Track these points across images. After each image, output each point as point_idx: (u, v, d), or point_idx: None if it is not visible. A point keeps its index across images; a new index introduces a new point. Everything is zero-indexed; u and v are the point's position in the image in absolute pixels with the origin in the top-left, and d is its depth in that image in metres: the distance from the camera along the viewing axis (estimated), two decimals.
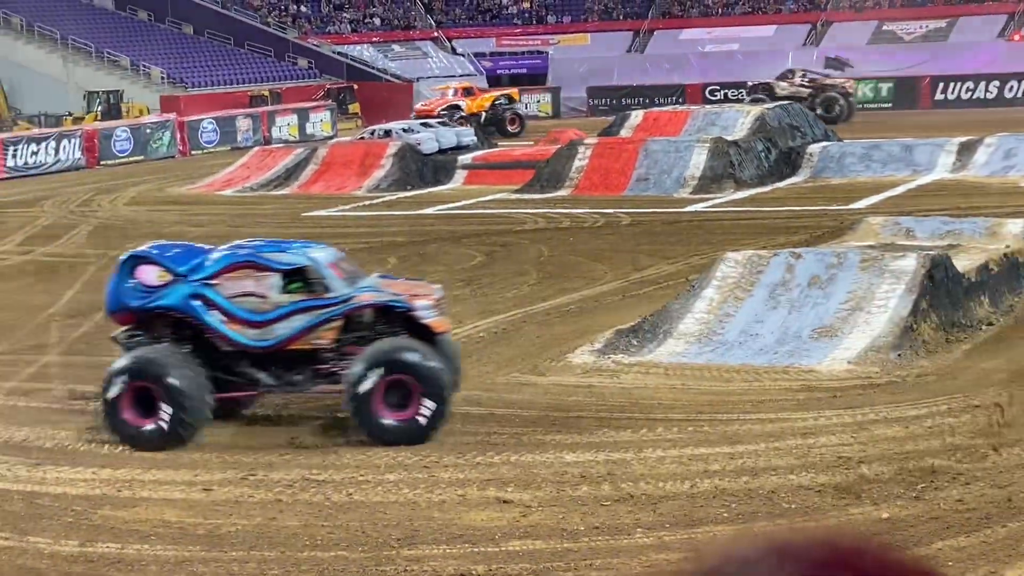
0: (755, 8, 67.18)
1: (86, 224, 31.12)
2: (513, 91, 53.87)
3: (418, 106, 50.58)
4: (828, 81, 51.24)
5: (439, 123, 42.89)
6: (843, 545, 1.22)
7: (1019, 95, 55.13)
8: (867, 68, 59.36)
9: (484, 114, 48.89)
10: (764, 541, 1.21)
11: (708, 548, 1.22)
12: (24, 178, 41.92)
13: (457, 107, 47.63)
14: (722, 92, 57.08)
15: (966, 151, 32.93)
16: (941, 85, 56.66)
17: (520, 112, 51.48)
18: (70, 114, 53.51)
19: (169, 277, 13.86)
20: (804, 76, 51.26)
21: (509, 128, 48.52)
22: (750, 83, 51.77)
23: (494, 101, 50.43)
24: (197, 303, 13.72)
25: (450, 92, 50.74)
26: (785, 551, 1.19)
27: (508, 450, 12.82)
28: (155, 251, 14.37)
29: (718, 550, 1.21)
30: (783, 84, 50.34)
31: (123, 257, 14.30)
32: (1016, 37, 60.63)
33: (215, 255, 14.18)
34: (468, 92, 50.36)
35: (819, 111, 46.15)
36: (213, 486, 12.18)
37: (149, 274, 13.89)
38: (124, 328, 14.09)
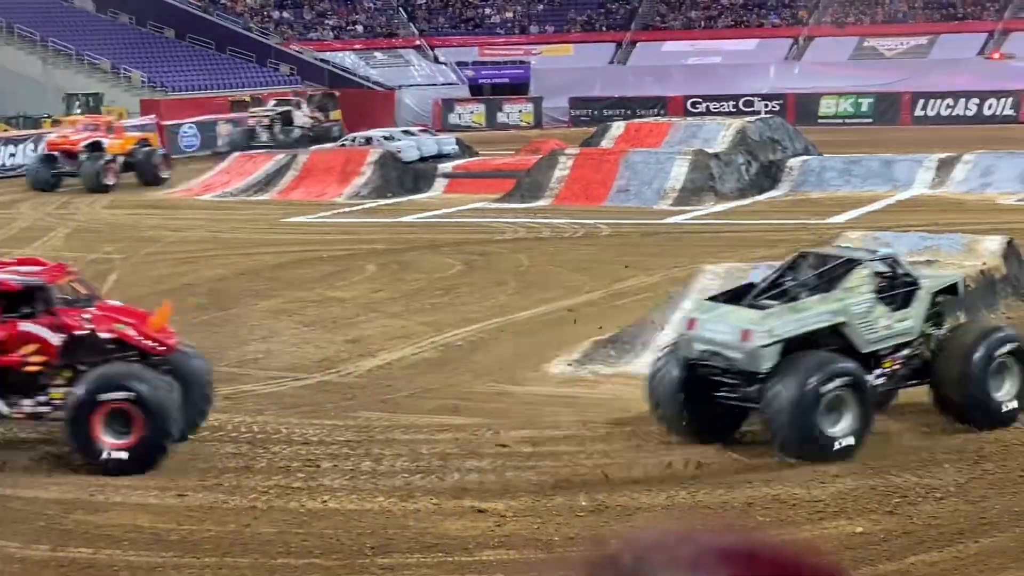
0: (738, 21, 67.34)
1: (64, 227, 31.04)
2: (152, 135, 43.10)
3: (51, 137, 40.33)
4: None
5: (420, 131, 42.89)
6: (752, 537, 1.23)
7: (998, 113, 55.32)
8: (848, 83, 59.54)
9: (124, 157, 38.83)
10: (681, 531, 1.23)
11: (630, 536, 1.24)
12: (1, 180, 41.76)
13: (99, 144, 38.31)
14: (704, 105, 57.14)
15: (945, 168, 33.03)
16: (921, 102, 56.82)
17: (167, 154, 41.53)
18: (49, 116, 53.34)
19: None
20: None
21: (161, 175, 39.31)
22: None
23: (137, 143, 39.80)
24: None
25: (83, 127, 40.06)
26: (695, 538, 1.21)
27: (484, 459, 12.82)
28: None
29: (635, 536, 1.23)
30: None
31: None
32: (996, 55, 60.87)
33: None
34: (110, 128, 39.73)
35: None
36: (187, 492, 12.15)
37: None
38: None
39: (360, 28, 68.17)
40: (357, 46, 66.14)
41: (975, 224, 25.24)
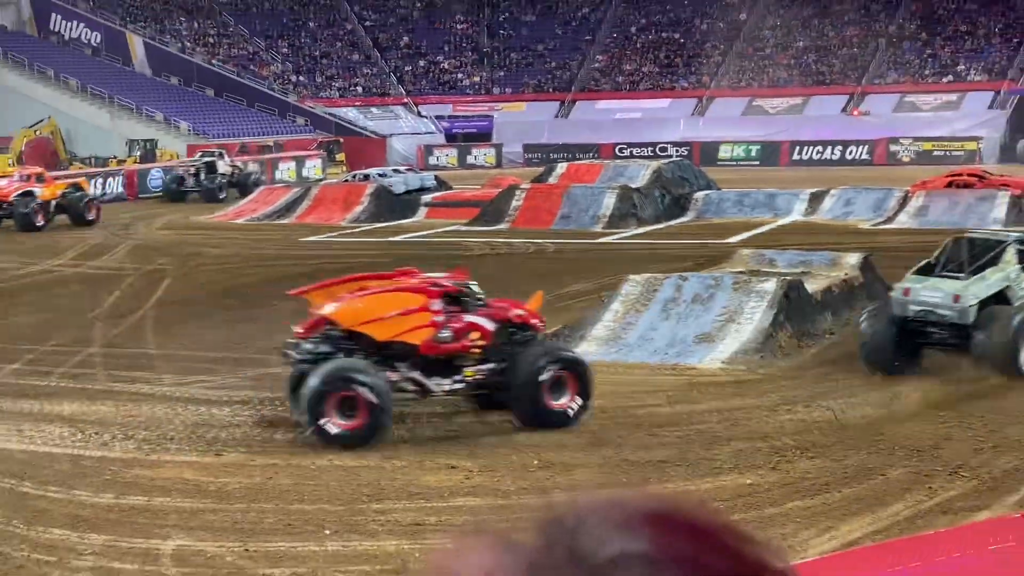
0: (655, 85, 67.52)
1: (126, 244, 30.86)
2: (82, 180, 39.61)
3: None
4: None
5: (407, 169, 42.82)
6: (677, 502, 1.20)
7: (857, 157, 55.71)
8: (741, 134, 59.85)
9: (56, 201, 35.54)
10: (606, 495, 1.20)
11: (555, 502, 1.21)
12: None
13: (31, 193, 34.94)
14: (629, 150, 57.29)
15: (816, 200, 33.20)
16: (797, 148, 57.17)
17: (94, 198, 38.21)
18: (115, 157, 53.07)
19: None
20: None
21: (88, 216, 35.66)
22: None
23: (65, 190, 36.28)
24: None
25: (16, 176, 36.51)
26: (621, 502, 1.18)
27: (457, 428, 12.80)
28: None
29: (560, 503, 1.20)
30: None
31: None
32: (855, 112, 61.26)
33: None
34: (40, 179, 35.98)
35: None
36: (223, 451, 12.09)
37: None
38: None
39: (360, 89, 68.02)
40: (357, 103, 66.02)
41: (838, 244, 25.39)
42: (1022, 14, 64.53)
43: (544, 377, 12.44)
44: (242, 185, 43.31)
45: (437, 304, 12.75)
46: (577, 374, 12.73)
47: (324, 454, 11.83)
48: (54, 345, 17.73)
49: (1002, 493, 10.28)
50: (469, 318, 12.81)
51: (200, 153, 47.17)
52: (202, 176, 44.10)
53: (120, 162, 51.63)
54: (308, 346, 12.66)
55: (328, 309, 12.91)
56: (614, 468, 11.26)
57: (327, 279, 15.32)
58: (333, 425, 11.95)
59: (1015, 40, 63.16)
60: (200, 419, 13.31)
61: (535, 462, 11.49)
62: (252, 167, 47.20)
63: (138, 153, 53.74)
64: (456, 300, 12.96)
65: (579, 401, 12.64)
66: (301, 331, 12.87)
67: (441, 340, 12.64)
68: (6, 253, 29.26)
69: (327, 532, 9.78)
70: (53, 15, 64.48)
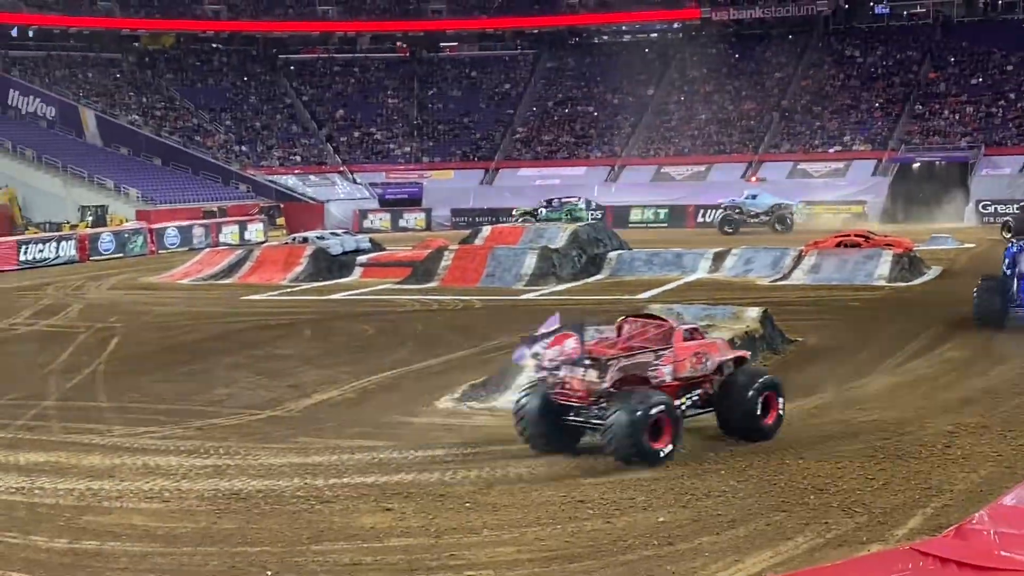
0: (571, 155, 68.07)
1: (78, 303, 30.39)
2: None
3: None
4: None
5: (343, 232, 42.69)
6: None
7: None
8: (650, 198, 60.42)
9: None
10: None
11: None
12: (32, 269, 40.90)
13: None
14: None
15: (719, 258, 33.57)
16: (702, 211, 57.80)
17: None
18: (68, 222, 52.36)
19: None
20: None
21: None
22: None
23: None
24: None
25: None
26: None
27: (391, 471, 12.73)
28: None
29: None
30: None
31: None
32: (753, 179, 62.14)
33: None
34: None
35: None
36: (171, 498, 11.90)
37: None
38: None
39: (299, 158, 67.79)
40: (296, 171, 65.77)
41: (740, 298, 25.71)
42: (900, 91, 66.17)
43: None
44: None
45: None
46: None
47: (269, 499, 11.70)
48: (10, 399, 17.40)
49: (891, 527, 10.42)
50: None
51: None
52: None
53: (73, 227, 50.93)
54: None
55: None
56: (539, 504, 11.24)
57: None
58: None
59: (894, 113, 64.69)
60: (148, 467, 13.11)
61: (467, 503, 11.45)
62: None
63: (90, 218, 53.07)
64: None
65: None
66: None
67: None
68: None
69: (269, 573, 9.65)
70: (11, 91, 63.79)
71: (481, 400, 16.29)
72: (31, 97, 63.85)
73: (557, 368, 12.76)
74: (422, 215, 61.38)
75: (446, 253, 33.81)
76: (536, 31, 77.08)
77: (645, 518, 10.83)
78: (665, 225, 57.46)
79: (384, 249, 40.65)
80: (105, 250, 45.31)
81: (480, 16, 76.75)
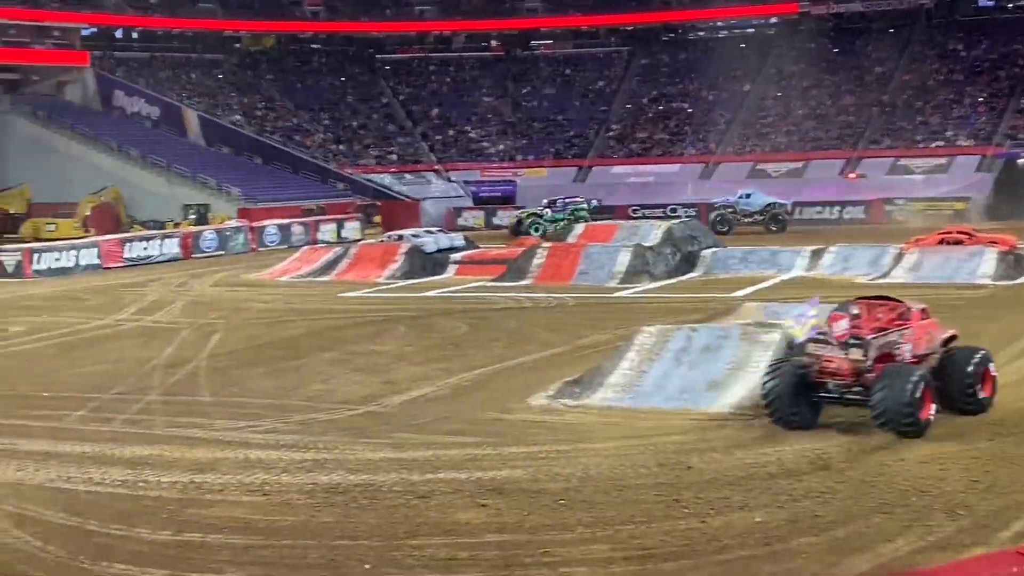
0: (665, 152, 67.70)
1: (181, 300, 31.01)
2: None
3: None
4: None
5: (438, 230, 42.93)
6: None
7: (854, 217, 55.49)
8: None
9: None
10: None
11: None
12: (137, 267, 41.83)
13: None
14: (641, 211, 57.28)
15: (816, 256, 33.11)
16: (799, 208, 57.04)
17: None
18: (171, 220, 53.47)
19: None
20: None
21: None
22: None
23: None
24: None
25: None
26: None
27: (488, 467, 12.77)
28: None
29: None
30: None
31: None
32: (851, 175, 61.19)
33: None
34: None
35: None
36: (271, 491, 12.08)
37: None
38: None
39: (395, 156, 68.43)
40: (392, 169, 66.38)
41: (838, 296, 25.28)
42: (1005, 85, 64.55)
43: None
44: None
45: None
46: None
47: (368, 493, 11.82)
48: (116, 393, 17.82)
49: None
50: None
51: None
52: None
53: (176, 225, 52.00)
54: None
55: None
56: (635, 489, 11.19)
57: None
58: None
59: (999, 108, 63.13)
60: (250, 461, 13.33)
61: (560, 501, 11.44)
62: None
63: (193, 216, 54.16)
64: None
65: None
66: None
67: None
68: (74, 310, 29.47)
69: (367, 567, 9.75)
70: (116, 91, 65.30)
71: (574, 397, 16.25)
72: (135, 97, 65.35)
73: (845, 344, 13.60)
74: (516, 213, 61.40)
75: (539, 251, 33.81)
76: (630, 28, 76.75)
77: (741, 518, 10.72)
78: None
79: (478, 247, 40.81)
80: (207, 248, 46.18)
81: (574, 13, 76.66)
